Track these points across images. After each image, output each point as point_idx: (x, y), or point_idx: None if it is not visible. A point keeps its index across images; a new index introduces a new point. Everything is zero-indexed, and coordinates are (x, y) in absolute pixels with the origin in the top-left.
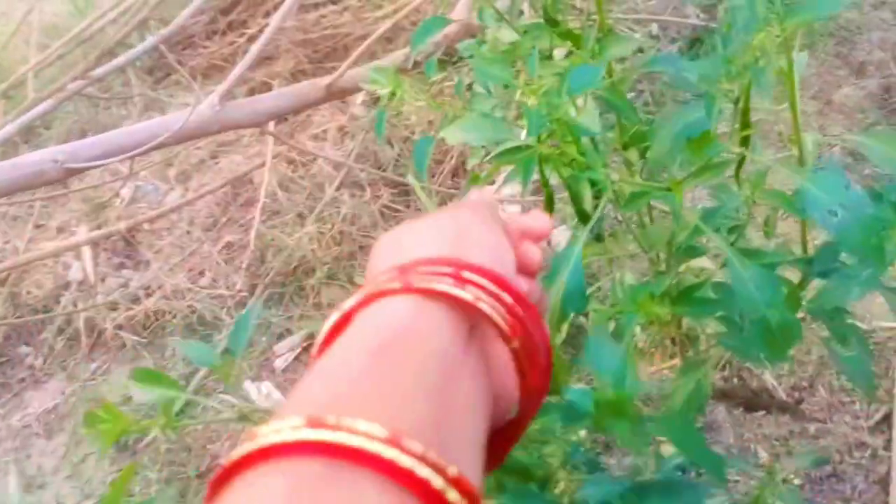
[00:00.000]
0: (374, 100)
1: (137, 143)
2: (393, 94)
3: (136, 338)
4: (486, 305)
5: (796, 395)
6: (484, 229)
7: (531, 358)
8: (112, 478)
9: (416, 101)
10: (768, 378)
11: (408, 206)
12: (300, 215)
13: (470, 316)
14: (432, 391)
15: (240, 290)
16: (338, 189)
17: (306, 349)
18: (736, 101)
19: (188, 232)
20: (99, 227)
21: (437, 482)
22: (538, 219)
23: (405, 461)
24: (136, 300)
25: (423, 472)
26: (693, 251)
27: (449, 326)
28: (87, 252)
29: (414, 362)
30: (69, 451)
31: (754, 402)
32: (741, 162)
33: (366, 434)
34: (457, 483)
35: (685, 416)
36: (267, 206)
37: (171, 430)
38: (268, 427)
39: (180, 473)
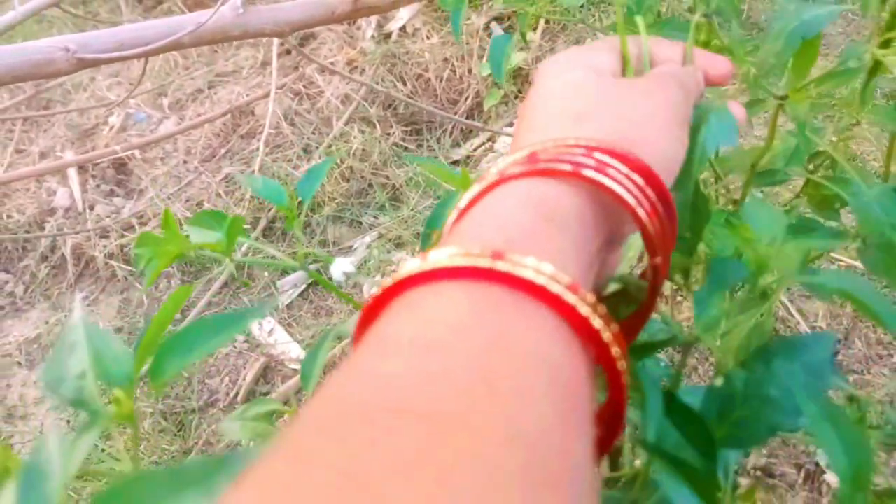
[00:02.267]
0: (385, 35)
1: (153, 38)
2: None
3: (128, 268)
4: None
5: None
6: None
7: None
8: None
9: (429, 38)
10: (803, 329)
11: (419, 146)
12: (306, 149)
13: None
14: (588, 269)
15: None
16: (346, 124)
17: (311, 286)
18: None
19: (185, 162)
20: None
21: (606, 335)
22: (718, 64)
23: (584, 310)
24: (129, 228)
25: (596, 322)
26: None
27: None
28: (74, 177)
29: (569, 231)
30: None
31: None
32: (875, 70)
33: (550, 276)
34: (617, 339)
35: None
36: (270, 138)
37: (232, 262)
38: (440, 252)
39: (177, 407)
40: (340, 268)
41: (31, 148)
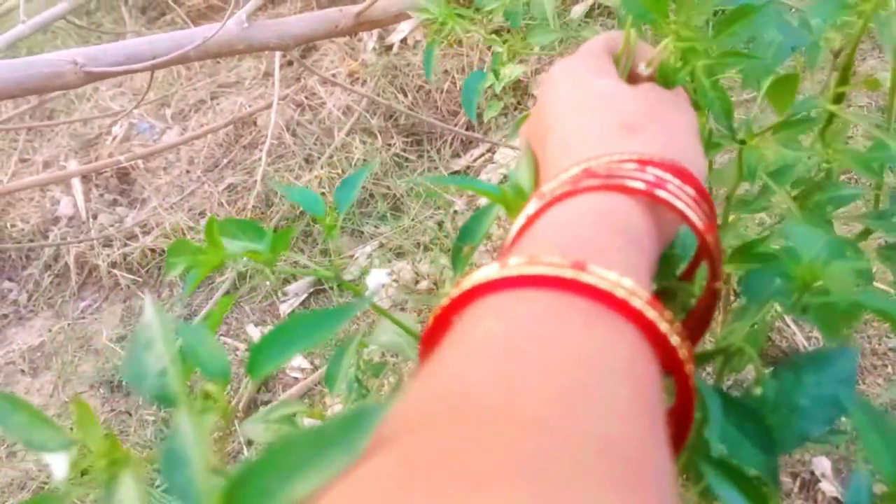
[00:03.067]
0: (386, 48)
1: (160, 52)
2: (443, 23)
3: (131, 276)
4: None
5: None
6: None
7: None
8: (104, 418)
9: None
10: (799, 340)
11: (420, 156)
12: (308, 159)
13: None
14: (651, 280)
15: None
16: (348, 135)
17: (312, 295)
18: (837, 54)
19: (188, 171)
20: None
21: (683, 352)
22: None
23: (663, 326)
24: (132, 237)
25: (674, 339)
26: (753, 206)
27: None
28: (77, 186)
29: (639, 244)
30: (57, 390)
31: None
32: (829, 120)
33: (631, 290)
34: (691, 355)
35: None
36: (272, 148)
37: (270, 269)
38: (519, 259)
39: None
40: (377, 279)
41: (35, 157)
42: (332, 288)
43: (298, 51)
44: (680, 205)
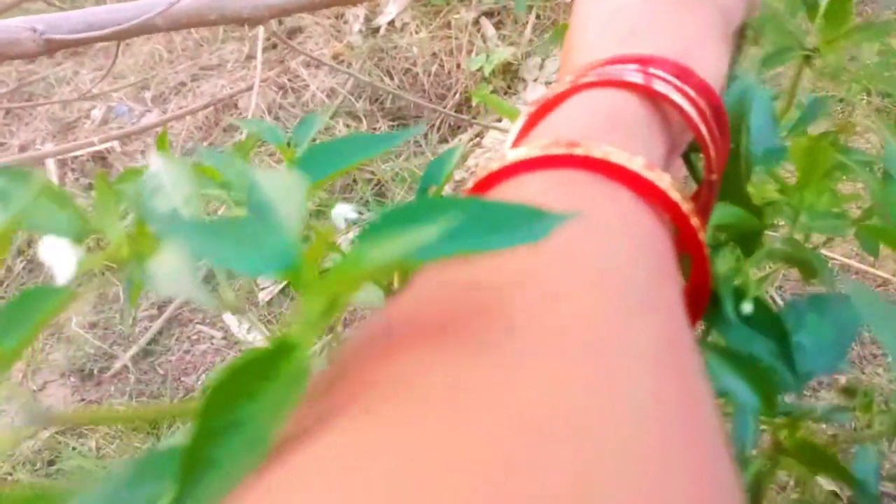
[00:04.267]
0: (372, 30)
1: (126, 20)
2: None
3: (105, 263)
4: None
5: None
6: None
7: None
8: (74, 406)
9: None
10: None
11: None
12: (290, 143)
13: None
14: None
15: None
16: (332, 118)
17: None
18: None
19: None
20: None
21: (686, 206)
22: None
23: (663, 183)
24: None
25: (675, 195)
26: None
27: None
28: (52, 169)
29: (639, 136)
30: (26, 379)
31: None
32: None
33: (627, 157)
34: (695, 212)
35: None
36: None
37: None
38: (517, 151)
39: (151, 404)
40: (342, 213)
41: (12, 141)
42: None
43: (283, 32)
44: (676, 97)
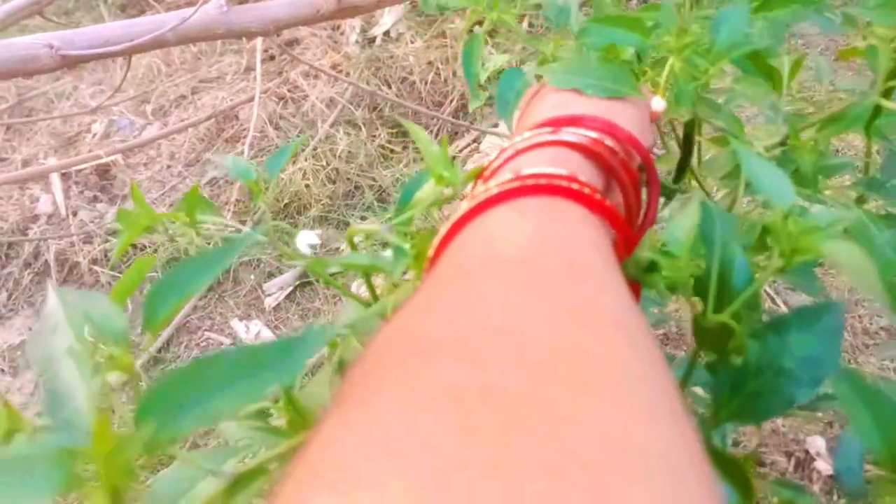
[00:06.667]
0: (369, 40)
1: (137, 36)
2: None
3: (112, 273)
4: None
5: None
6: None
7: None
8: None
9: (413, 43)
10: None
11: (405, 148)
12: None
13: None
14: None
15: (227, 227)
16: (332, 127)
17: (298, 287)
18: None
19: (168, 167)
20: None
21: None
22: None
23: (597, 196)
24: (112, 233)
25: (608, 203)
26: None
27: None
28: (57, 183)
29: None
30: (38, 389)
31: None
32: (876, 113)
33: (568, 179)
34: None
35: None
36: (255, 142)
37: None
38: (482, 187)
39: None
40: (305, 240)
41: (14, 156)
42: (317, 281)
43: (281, 43)
44: (585, 140)
